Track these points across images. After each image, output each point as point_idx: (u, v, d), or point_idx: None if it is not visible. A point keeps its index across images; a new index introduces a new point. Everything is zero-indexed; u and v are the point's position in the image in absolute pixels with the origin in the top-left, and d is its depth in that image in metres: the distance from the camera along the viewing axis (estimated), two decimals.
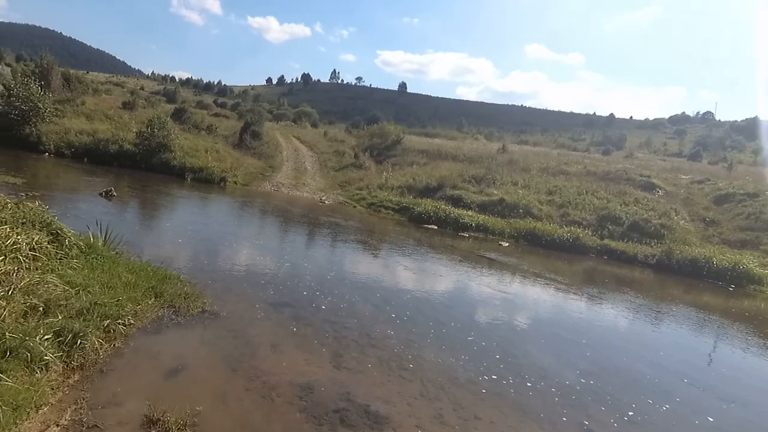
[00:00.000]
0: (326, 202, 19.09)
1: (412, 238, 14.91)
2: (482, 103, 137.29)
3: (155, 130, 19.60)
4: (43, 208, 7.10)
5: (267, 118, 48.70)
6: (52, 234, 6.76)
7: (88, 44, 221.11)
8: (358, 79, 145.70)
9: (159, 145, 19.63)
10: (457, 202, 19.55)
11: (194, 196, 16.43)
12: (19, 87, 19.51)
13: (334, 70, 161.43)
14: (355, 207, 19.02)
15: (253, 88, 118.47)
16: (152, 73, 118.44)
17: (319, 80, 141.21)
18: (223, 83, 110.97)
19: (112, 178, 16.43)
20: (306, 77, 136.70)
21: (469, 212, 18.49)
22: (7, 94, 19.45)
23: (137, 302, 6.06)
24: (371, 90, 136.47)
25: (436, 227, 17.09)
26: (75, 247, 6.85)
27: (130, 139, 19.93)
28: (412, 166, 26.42)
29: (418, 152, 30.57)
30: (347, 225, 15.41)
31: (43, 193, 12.33)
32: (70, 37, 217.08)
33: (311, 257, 10.82)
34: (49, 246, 6.49)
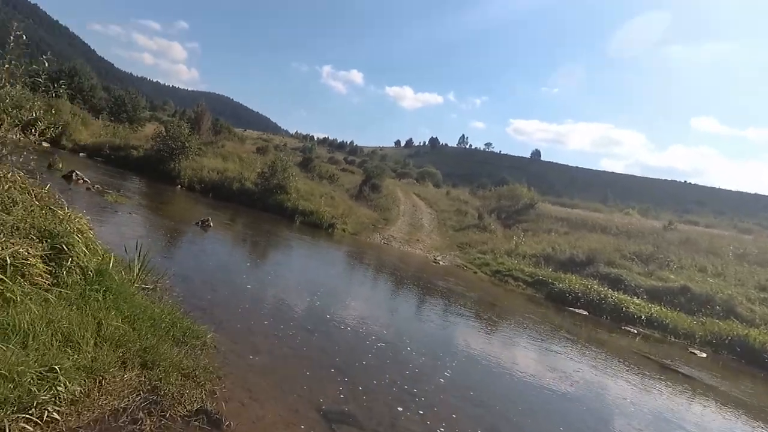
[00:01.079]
0: (441, 262, 15.88)
1: (550, 324, 10.72)
2: (631, 176, 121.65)
3: (276, 171, 19.32)
4: (58, 202, 5.35)
5: (390, 175, 48.95)
6: (55, 248, 4.86)
7: (251, 108, 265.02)
8: (487, 144, 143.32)
9: (277, 186, 19.22)
10: (615, 283, 14.58)
11: (295, 238, 14.77)
12: (174, 128, 21.51)
13: (463, 135, 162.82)
14: (475, 273, 15.41)
15: (381, 149, 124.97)
16: (296, 132, 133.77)
17: (446, 144, 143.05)
18: (354, 143, 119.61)
19: (225, 212, 15.89)
20: (434, 141, 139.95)
21: (636, 299, 13.46)
22: (164, 135, 21.45)
23: (99, 373, 3.55)
24: (500, 156, 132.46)
25: (586, 313, 12.48)
26: (77, 271, 4.83)
27: (252, 178, 19.93)
28: (549, 233, 21.89)
29: (556, 220, 25.89)
30: (466, 294, 11.88)
31: (148, 215, 11.66)
32: (239, 103, 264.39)
33: (413, 334, 7.57)
34: (39, 265, 4.53)
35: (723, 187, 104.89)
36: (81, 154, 22.83)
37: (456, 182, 71.18)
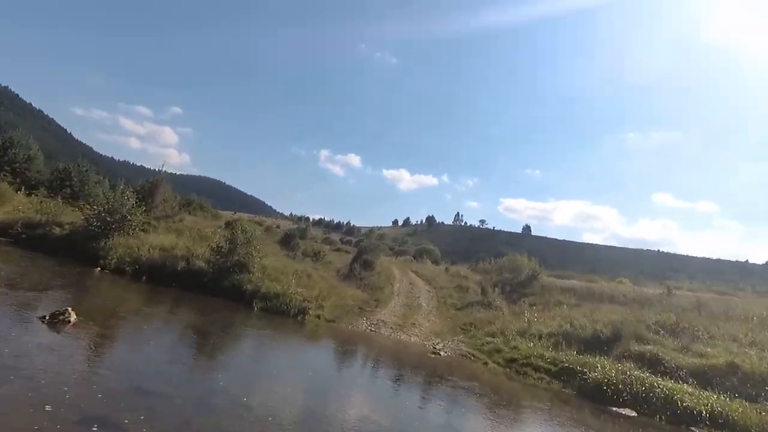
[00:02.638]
0: (442, 353, 13.17)
1: None
2: (612, 248, 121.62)
3: (236, 245, 16.32)
4: None
5: (386, 253, 46.79)
6: None
7: (245, 192, 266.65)
8: (481, 221, 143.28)
9: (236, 264, 16.06)
10: (653, 365, 11.93)
11: (248, 333, 12.12)
12: (115, 200, 18.18)
13: (458, 213, 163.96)
14: (486, 364, 12.68)
15: (379, 228, 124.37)
16: (291, 213, 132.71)
17: (442, 222, 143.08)
18: (351, 223, 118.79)
19: (162, 301, 13.13)
20: (430, 219, 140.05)
21: (685, 386, 10.76)
22: (102, 208, 17.93)
23: None
24: (494, 232, 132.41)
25: (633, 413, 9.71)
26: None
27: (205, 255, 16.46)
28: (560, 306, 19.37)
29: (562, 291, 23.50)
30: (476, 401, 9.19)
31: None
32: (231, 186, 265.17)
33: None
34: None
35: (690, 254, 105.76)
36: None
37: (454, 259, 68.95)
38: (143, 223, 19.33)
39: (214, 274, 15.80)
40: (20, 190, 24.95)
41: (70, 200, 24.78)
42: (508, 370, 12.28)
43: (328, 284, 19.24)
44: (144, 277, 15.50)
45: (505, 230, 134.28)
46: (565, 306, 18.88)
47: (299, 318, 14.43)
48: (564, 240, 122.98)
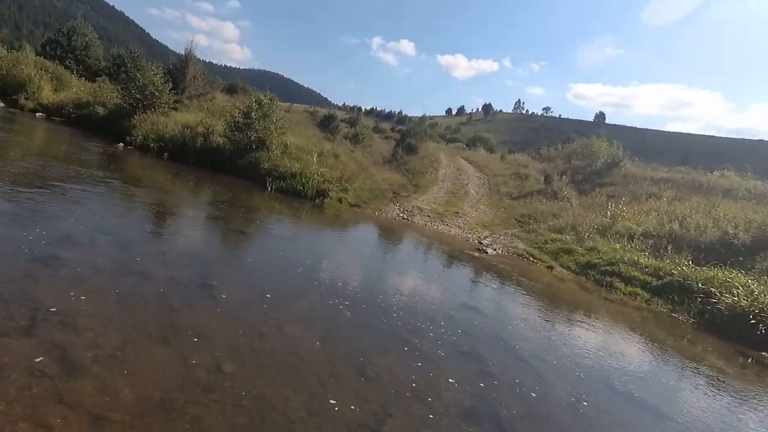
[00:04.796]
0: (489, 250, 9.75)
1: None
2: (712, 137, 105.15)
3: (253, 119, 13.78)
4: None
5: (437, 140, 42.24)
6: None
7: (302, 84, 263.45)
8: (546, 109, 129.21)
9: (255, 140, 13.76)
10: None
11: (259, 218, 9.24)
12: (142, 78, 16.99)
13: (519, 100, 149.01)
14: (550, 268, 9.15)
15: (431, 117, 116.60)
16: (343, 104, 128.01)
17: (500, 110, 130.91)
18: (403, 113, 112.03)
19: (175, 178, 10.85)
20: (487, 107, 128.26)
21: None
22: (133, 86, 17.07)
23: None
24: (560, 120, 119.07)
25: None
26: None
27: (220, 130, 14.59)
28: (656, 199, 14.87)
29: (653, 182, 18.61)
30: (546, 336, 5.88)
31: None
32: (290, 79, 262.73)
33: None
34: None
35: None
36: (39, 114, 19.05)
37: (512, 149, 62.58)
38: (174, 101, 18.03)
39: (231, 152, 13.81)
40: (82, 77, 25.14)
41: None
42: (583, 278, 8.72)
43: (358, 165, 15.91)
44: (166, 154, 14.32)
45: (574, 118, 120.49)
46: (663, 199, 14.33)
47: (318, 201, 11.72)
48: (647, 129, 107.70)
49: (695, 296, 7.23)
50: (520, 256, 9.78)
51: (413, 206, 13.67)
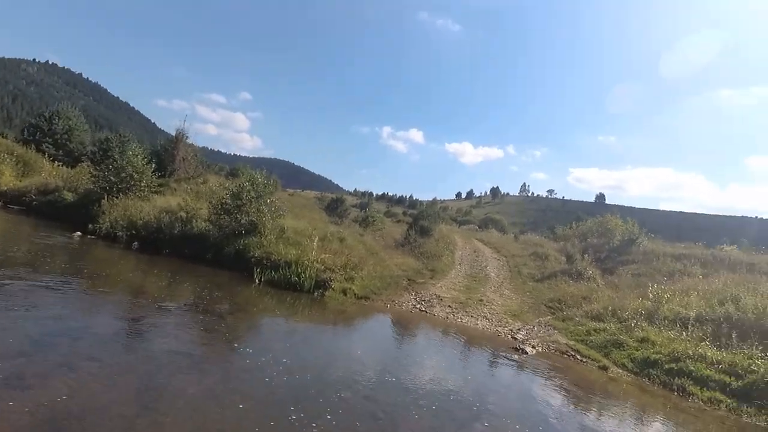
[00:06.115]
0: (528, 348, 8.56)
1: None
2: (702, 215, 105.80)
3: (243, 201, 12.67)
4: None
5: (449, 223, 42.04)
6: None
7: (313, 171, 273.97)
8: (550, 191, 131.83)
9: (248, 224, 12.55)
10: None
11: (237, 321, 8.24)
12: (123, 158, 15.75)
13: (524, 183, 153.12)
14: (604, 369, 7.89)
15: (442, 201, 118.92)
16: (354, 189, 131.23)
17: (508, 193, 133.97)
18: (414, 197, 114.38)
19: (148, 272, 9.86)
20: (495, 190, 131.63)
21: None
22: (108, 167, 15.68)
23: None
24: (564, 201, 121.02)
25: None
26: None
27: (204, 214, 13.18)
28: (682, 277, 13.84)
29: (675, 258, 17.65)
30: None
31: None
32: (300, 166, 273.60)
33: None
34: None
35: None
36: None
37: (523, 230, 62.23)
38: (159, 184, 16.88)
39: (216, 238, 12.43)
40: (62, 163, 23.11)
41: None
42: (645, 379, 7.44)
43: (367, 250, 15.05)
44: (135, 244, 12.66)
45: (577, 199, 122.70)
46: (696, 276, 13.28)
47: (317, 294, 10.44)
48: (646, 208, 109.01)
49: None
50: (564, 353, 8.56)
51: (431, 294, 12.64)
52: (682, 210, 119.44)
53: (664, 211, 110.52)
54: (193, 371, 4.96)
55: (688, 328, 8.73)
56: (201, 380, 4.75)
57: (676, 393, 6.90)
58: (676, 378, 7.13)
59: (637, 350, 8.24)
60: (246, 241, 12.12)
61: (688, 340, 8.20)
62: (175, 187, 17.70)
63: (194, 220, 13.11)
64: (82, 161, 23.47)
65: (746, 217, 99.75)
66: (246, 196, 12.82)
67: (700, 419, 6.08)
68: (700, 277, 13.12)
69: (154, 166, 16.67)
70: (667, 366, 7.48)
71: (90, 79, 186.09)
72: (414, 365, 6.77)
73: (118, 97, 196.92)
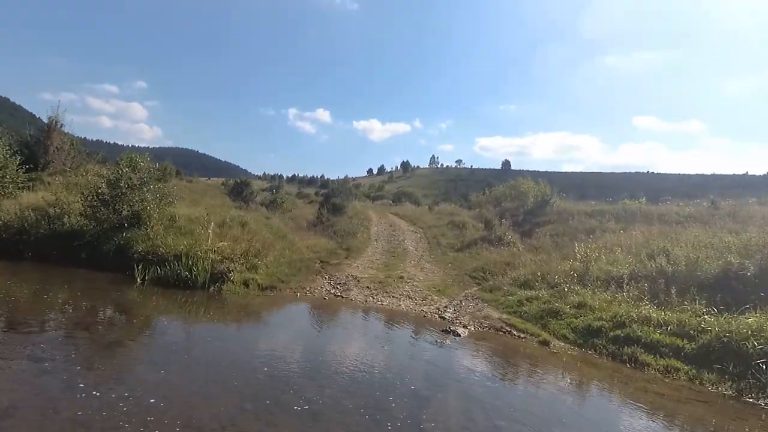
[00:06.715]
0: (459, 329, 7.17)
1: None
2: (601, 173, 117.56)
3: (122, 190, 10.38)
4: None
5: (362, 199, 40.45)
6: None
7: (218, 158, 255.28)
8: (458, 161, 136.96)
9: (130, 215, 10.32)
10: None
11: (106, 333, 5.88)
12: None
13: (433, 155, 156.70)
14: (545, 343, 6.75)
15: (354, 179, 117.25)
16: (263, 173, 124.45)
17: (418, 166, 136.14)
18: (326, 177, 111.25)
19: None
20: (405, 164, 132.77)
21: None
22: None
23: None
24: (472, 171, 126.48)
25: None
26: None
27: (79, 208, 10.88)
28: (604, 234, 13.75)
29: (589, 215, 17.98)
30: None
31: None
32: (205, 154, 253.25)
33: None
34: None
35: (681, 172, 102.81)
36: None
37: (436, 201, 62.99)
38: (28, 179, 14.34)
39: (93, 235, 10.11)
40: None
41: None
42: (591, 351, 6.43)
43: (274, 234, 12.87)
44: None
45: (484, 167, 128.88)
46: (616, 232, 13.14)
47: (213, 288, 8.50)
48: (548, 171, 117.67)
49: (757, 362, 5.19)
50: (499, 330, 7.31)
51: (347, 276, 10.88)
52: (582, 170, 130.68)
53: (566, 173, 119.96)
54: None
55: (623, 287, 7.99)
56: None
57: (628, 364, 5.94)
58: (625, 347, 6.18)
59: (576, 318, 7.27)
60: (128, 235, 9.88)
61: (627, 301, 7.41)
62: (49, 180, 15.22)
63: (66, 216, 10.71)
64: None
65: (639, 172, 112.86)
66: (125, 183, 10.45)
67: (659, 391, 5.10)
68: (621, 231, 12.95)
69: (20, 159, 14.16)
70: (612, 333, 6.54)
71: None
72: (327, 373, 4.93)
73: None
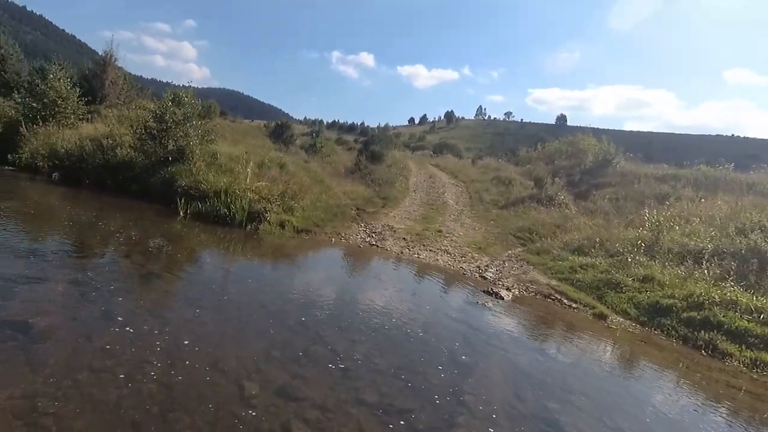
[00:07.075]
0: (503, 292, 6.45)
1: None
2: (673, 134, 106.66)
3: (168, 126, 10.14)
4: None
5: (402, 149, 39.19)
6: None
7: (262, 100, 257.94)
8: (507, 114, 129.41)
9: (175, 150, 10.13)
10: None
11: (157, 261, 5.65)
12: (46, 82, 13.68)
13: (480, 106, 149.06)
14: (601, 316, 5.93)
15: (394, 127, 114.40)
16: (304, 118, 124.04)
17: (463, 117, 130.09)
18: (366, 124, 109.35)
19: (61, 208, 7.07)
20: (449, 114, 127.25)
21: None
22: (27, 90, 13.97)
23: None
24: (522, 125, 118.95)
25: None
26: None
27: (129, 141, 10.93)
28: (676, 202, 12.19)
29: (659, 181, 16.07)
30: None
31: None
32: (249, 96, 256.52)
33: None
34: None
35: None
36: None
37: (479, 155, 60.32)
38: (88, 111, 14.81)
39: (143, 167, 10.21)
40: None
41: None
42: (658, 331, 5.55)
43: (311, 178, 12.37)
44: (56, 175, 10.90)
45: (536, 122, 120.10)
46: (695, 201, 11.56)
47: (251, 227, 8.26)
48: (609, 129, 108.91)
49: None
50: (547, 296, 6.51)
51: (383, 225, 10.28)
52: (650, 130, 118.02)
53: (629, 132, 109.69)
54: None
55: (701, 263, 6.87)
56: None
57: (703, 351, 5.04)
58: (702, 331, 5.24)
59: (641, 292, 6.32)
60: (173, 170, 9.78)
61: (706, 280, 6.34)
62: (106, 113, 15.47)
63: (118, 148, 10.85)
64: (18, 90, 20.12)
65: (720, 135, 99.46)
66: (170, 118, 10.20)
67: (748, 388, 4.23)
68: (701, 200, 11.38)
69: (80, 91, 14.74)
70: (685, 315, 5.58)
71: (35, 11, 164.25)
72: (354, 340, 4.42)
73: (64, 30, 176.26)
